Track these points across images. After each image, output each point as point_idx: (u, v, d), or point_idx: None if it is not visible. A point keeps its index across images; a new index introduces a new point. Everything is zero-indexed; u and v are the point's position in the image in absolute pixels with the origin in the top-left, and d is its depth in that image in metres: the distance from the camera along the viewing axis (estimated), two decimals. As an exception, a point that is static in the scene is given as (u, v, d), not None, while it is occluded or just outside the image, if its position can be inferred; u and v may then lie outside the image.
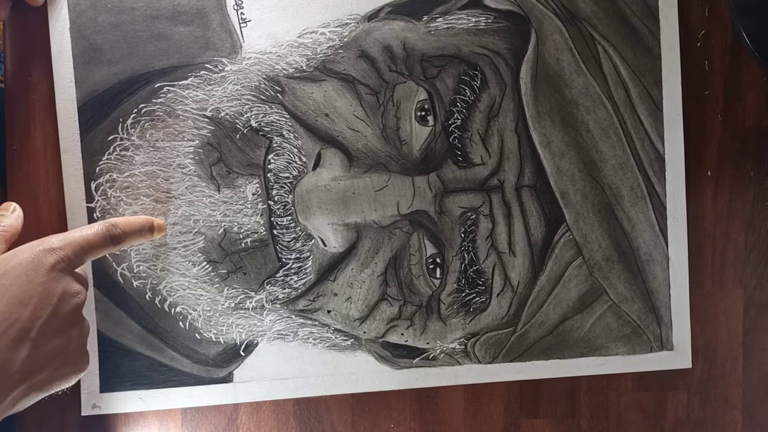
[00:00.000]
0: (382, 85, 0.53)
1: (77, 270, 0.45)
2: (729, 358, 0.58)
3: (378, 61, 0.53)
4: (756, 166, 0.57)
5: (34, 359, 0.41)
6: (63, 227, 0.52)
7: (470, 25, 0.54)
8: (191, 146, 0.53)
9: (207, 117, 0.53)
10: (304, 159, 0.53)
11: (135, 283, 0.53)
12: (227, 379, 0.54)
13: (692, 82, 0.56)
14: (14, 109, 0.52)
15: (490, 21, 0.54)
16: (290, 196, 0.53)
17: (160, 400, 0.54)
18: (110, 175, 0.52)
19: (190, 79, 0.52)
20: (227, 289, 0.54)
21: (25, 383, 0.41)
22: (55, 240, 0.43)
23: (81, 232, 0.45)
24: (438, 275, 0.55)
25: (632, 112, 0.55)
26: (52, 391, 0.43)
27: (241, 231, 0.53)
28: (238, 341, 0.54)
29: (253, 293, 0.54)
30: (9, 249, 0.44)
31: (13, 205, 0.50)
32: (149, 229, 0.50)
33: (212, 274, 0.53)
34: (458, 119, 0.54)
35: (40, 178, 0.53)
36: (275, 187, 0.53)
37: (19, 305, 0.40)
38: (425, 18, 0.54)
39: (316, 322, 0.55)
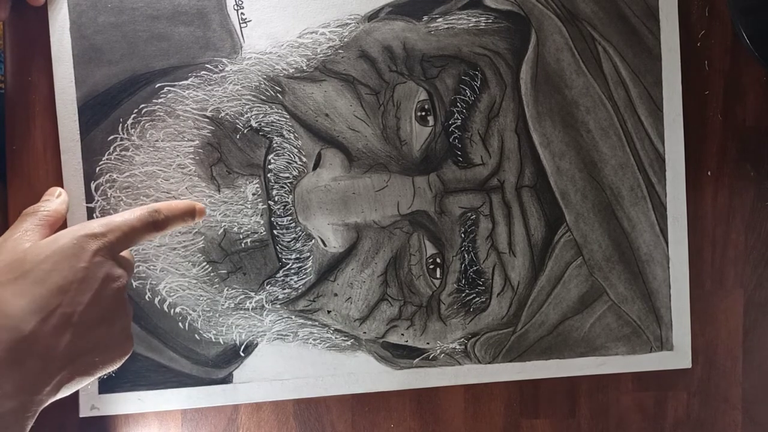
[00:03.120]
0: (382, 85, 0.53)
1: (121, 253, 0.45)
2: (729, 358, 0.58)
3: (378, 61, 0.53)
4: (756, 166, 0.57)
5: (76, 345, 0.40)
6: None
7: (470, 25, 0.54)
8: (191, 146, 0.52)
9: (207, 117, 0.53)
10: (304, 159, 0.53)
11: (134, 284, 0.53)
12: (227, 379, 0.54)
13: (692, 82, 0.56)
14: (14, 109, 0.52)
15: (491, 21, 0.54)
16: (290, 196, 0.53)
17: (160, 401, 0.54)
18: (110, 176, 0.52)
19: (190, 79, 0.52)
20: (227, 290, 0.54)
21: (69, 368, 0.41)
22: (96, 225, 0.43)
23: (123, 217, 0.44)
24: (438, 275, 0.55)
25: (632, 112, 0.55)
26: (98, 375, 0.43)
27: (241, 231, 0.53)
28: (237, 342, 0.54)
29: (253, 293, 0.54)
30: (53, 234, 0.44)
31: (59, 190, 0.50)
32: (191, 213, 0.49)
33: (212, 274, 0.53)
34: (458, 119, 0.54)
35: (40, 178, 0.53)
36: (275, 187, 0.53)
37: (60, 291, 0.40)
38: (425, 18, 0.54)
39: (316, 323, 0.55)
